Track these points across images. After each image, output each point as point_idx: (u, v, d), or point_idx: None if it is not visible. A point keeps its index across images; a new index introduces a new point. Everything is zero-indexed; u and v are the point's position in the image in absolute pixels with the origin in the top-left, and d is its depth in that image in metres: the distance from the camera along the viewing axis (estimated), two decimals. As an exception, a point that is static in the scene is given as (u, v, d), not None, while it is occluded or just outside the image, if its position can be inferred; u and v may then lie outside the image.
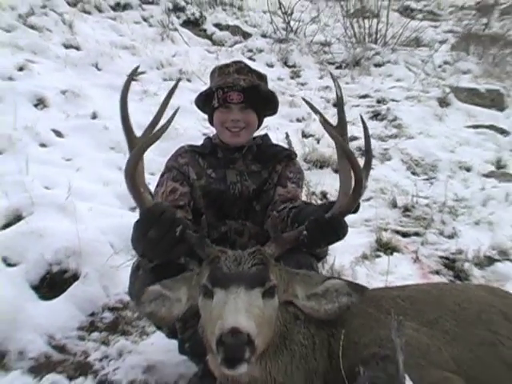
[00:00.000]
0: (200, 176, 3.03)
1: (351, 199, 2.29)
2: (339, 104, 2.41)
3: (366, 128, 2.35)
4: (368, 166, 2.33)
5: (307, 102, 2.52)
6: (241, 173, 3.08)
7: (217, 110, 3.03)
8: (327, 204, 2.43)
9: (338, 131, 2.33)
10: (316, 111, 2.40)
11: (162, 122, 2.22)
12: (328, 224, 2.30)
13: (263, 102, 3.10)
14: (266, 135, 3.29)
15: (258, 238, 2.94)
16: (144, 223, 2.21)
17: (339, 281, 2.24)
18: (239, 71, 3.06)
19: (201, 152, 3.12)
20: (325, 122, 2.32)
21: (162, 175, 3.02)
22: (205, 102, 3.08)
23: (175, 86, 2.31)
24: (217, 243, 2.35)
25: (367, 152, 2.36)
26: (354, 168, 2.24)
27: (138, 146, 2.20)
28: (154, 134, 2.21)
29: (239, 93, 2.95)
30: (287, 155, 3.17)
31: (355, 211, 2.46)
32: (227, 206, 3.00)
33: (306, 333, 2.20)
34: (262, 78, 3.15)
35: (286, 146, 3.16)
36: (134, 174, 2.19)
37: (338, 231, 2.31)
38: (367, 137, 2.36)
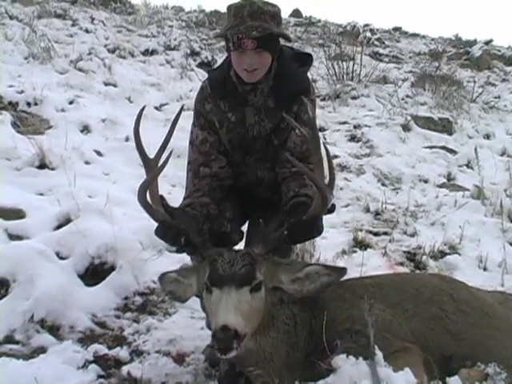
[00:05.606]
0: (222, 123, 2.76)
1: (321, 208, 2.30)
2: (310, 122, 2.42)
3: (328, 155, 2.36)
4: (331, 183, 2.34)
5: (288, 118, 2.49)
6: (258, 110, 2.71)
7: (232, 52, 2.57)
8: (308, 204, 2.39)
9: (312, 142, 2.33)
10: (295, 126, 2.42)
11: (173, 140, 2.41)
12: (304, 225, 2.32)
13: (277, 39, 2.64)
14: (281, 54, 2.69)
15: (272, 188, 2.84)
16: (157, 235, 2.39)
17: (316, 266, 2.30)
18: (252, 15, 2.47)
19: (221, 92, 2.74)
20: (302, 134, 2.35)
21: (193, 120, 2.87)
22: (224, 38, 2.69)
23: (179, 113, 2.40)
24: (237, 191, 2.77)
25: (330, 173, 2.35)
26: (319, 189, 2.25)
27: (147, 178, 2.36)
28: (158, 168, 2.37)
29: (253, 40, 2.47)
30: (301, 92, 2.63)
31: (331, 211, 2.48)
32: (249, 146, 2.78)
33: (289, 314, 2.25)
34: (275, 16, 2.56)
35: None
36: (145, 196, 2.35)
37: (312, 230, 2.35)
38: (330, 161, 2.36)
